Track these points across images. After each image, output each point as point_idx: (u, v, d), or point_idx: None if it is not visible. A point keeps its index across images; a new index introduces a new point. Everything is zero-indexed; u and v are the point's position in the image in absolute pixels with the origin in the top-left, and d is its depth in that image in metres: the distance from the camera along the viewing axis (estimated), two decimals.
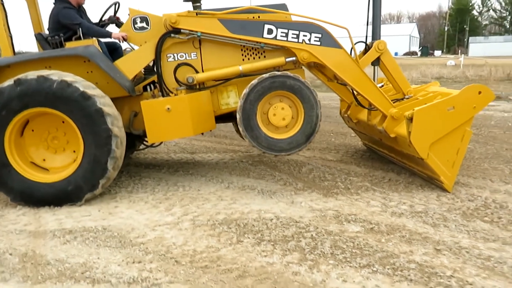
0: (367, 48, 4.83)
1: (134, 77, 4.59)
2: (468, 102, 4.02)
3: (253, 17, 4.44)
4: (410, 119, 3.96)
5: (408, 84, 4.93)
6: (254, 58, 4.58)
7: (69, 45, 4.42)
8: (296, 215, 3.73)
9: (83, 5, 4.95)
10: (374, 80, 4.79)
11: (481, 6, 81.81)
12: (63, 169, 4.20)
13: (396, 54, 54.64)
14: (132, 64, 4.47)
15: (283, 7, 4.55)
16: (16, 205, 4.11)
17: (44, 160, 4.29)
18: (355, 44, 4.67)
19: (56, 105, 3.96)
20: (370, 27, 4.85)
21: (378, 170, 5.05)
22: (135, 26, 4.43)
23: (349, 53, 4.58)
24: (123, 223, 3.63)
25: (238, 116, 4.12)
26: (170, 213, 3.84)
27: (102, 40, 4.74)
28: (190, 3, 4.55)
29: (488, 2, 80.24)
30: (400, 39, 70.97)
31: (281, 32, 4.37)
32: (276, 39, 4.39)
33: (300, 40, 4.38)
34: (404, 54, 59.22)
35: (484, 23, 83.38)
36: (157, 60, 4.46)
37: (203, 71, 4.54)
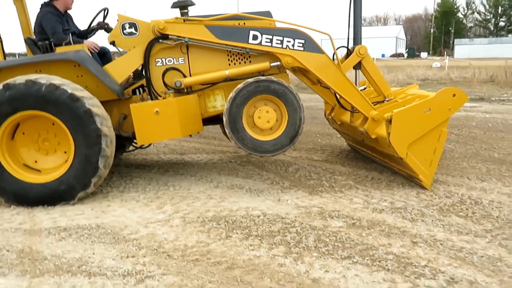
0: (349, 53, 5.03)
1: (125, 81, 4.73)
2: (444, 104, 4.25)
3: (239, 24, 4.61)
4: (389, 121, 4.17)
5: (388, 87, 5.16)
6: (240, 63, 4.75)
7: (59, 50, 4.54)
8: (282, 212, 3.91)
9: (70, 11, 5.07)
10: (356, 83, 4.99)
11: (466, 8, 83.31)
12: (55, 169, 4.31)
13: (383, 55, 55.32)
14: (121, 68, 4.61)
15: (267, 14, 4.73)
16: (10, 205, 4.22)
17: (36, 161, 4.40)
18: (337, 49, 4.87)
19: (46, 107, 4.07)
20: (352, 30, 5.05)
21: (361, 169, 5.25)
22: (124, 31, 4.56)
23: (332, 57, 4.78)
24: (116, 221, 3.77)
25: (224, 119, 4.28)
26: (162, 211, 3.99)
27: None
28: (178, 9, 4.70)
29: (473, 5, 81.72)
30: (387, 41, 71.83)
31: (266, 38, 4.55)
32: (261, 44, 4.57)
33: (284, 46, 4.56)
34: (391, 56, 59.99)
35: (469, 25, 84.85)
36: (145, 64, 4.60)
37: (190, 76, 4.69)
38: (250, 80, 4.29)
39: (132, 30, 4.57)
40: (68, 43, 4.61)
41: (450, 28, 77.41)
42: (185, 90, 4.71)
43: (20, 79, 4.07)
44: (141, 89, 4.87)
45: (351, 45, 5.03)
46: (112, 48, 5.05)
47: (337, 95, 4.90)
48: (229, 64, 4.73)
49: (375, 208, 3.97)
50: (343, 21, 5.13)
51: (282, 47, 4.56)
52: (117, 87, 4.50)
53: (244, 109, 4.30)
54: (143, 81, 4.72)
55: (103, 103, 4.36)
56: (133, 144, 5.57)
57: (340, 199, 4.24)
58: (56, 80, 4.11)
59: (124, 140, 5.32)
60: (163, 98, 4.62)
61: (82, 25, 5.29)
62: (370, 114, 4.61)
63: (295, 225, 3.60)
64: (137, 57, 4.59)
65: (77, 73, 4.45)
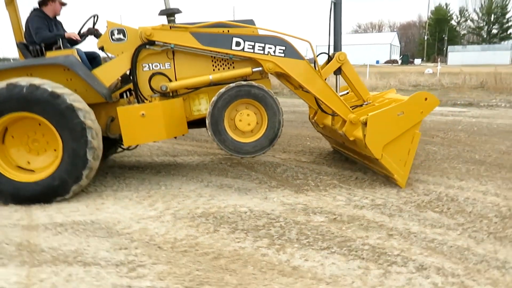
0: (330, 59, 5.27)
1: (114, 84, 4.92)
2: (416, 108, 4.48)
3: (223, 31, 4.83)
4: (365, 123, 4.41)
5: (367, 92, 5.42)
6: (223, 68, 4.96)
7: (49, 54, 4.75)
8: (268, 208, 4.12)
9: (58, 17, 5.28)
10: (336, 88, 5.25)
11: (459, 16, 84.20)
12: (47, 167, 4.46)
13: (377, 62, 55.88)
14: (109, 72, 4.81)
15: (250, 22, 4.96)
16: (8, 204, 4.39)
17: (28, 162, 4.57)
18: (318, 55, 5.12)
19: (29, 108, 4.25)
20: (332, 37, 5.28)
21: (346, 170, 5.48)
22: (113, 37, 4.77)
23: (313, 63, 5.01)
24: (109, 217, 3.96)
25: (207, 121, 4.48)
26: (153, 208, 4.19)
27: (83, 50, 5.10)
28: (165, 17, 4.92)
29: (466, 13, 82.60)
30: (381, 47, 72.65)
31: (248, 45, 4.77)
32: (243, 51, 4.78)
33: (266, 52, 4.78)
34: (385, 62, 60.55)
35: (462, 33, 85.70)
36: (133, 69, 4.80)
37: (176, 80, 4.89)
38: (231, 84, 4.49)
39: (121, 36, 4.78)
40: (58, 48, 4.83)
41: (443, 35, 78.23)
42: (171, 94, 4.92)
43: (1, 84, 4.25)
44: (128, 93, 5.09)
45: (332, 51, 5.27)
46: (102, 54, 5.26)
47: (317, 99, 5.12)
48: (213, 69, 4.94)
49: (356, 205, 4.18)
50: (325, 28, 5.36)
51: (264, 53, 4.78)
52: (105, 91, 4.70)
53: (226, 112, 4.50)
54: (131, 85, 4.92)
55: (92, 105, 4.54)
56: (120, 146, 5.77)
57: (324, 197, 4.45)
58: (36, 80, 4.30)
59: (113, 142, 5.51)
60: (150, 102, 4.82)
61: (73, 31, 5.50)
62: (348, 117, 4.83)
63: (279, 220, 3.81)
64: (125, 62, 4.79)
65: (67, 76, 4.64)
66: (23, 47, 5.01)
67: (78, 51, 4.96)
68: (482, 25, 79.96)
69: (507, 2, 73.43)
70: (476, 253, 3.09)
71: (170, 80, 4.88)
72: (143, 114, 4.60)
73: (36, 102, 4.23)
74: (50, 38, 4.85)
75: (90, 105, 4.51)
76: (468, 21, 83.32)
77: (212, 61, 4.94)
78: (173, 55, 4.88)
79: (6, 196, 4.36)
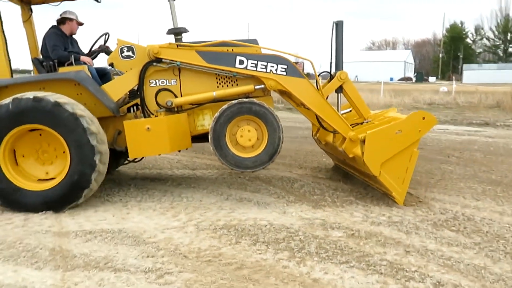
0: (331, 78, 5.43)
1: (122, 99, 5.15)
2: (414, 127, 4.59)
3: (227, 50, 5.04)
4: (363, 141, 4.53)
5: (368, 110, 5.58)
6: (227, 85, 5.15)
7: (62, 70, 5.04)
8: (287, 222, 4.25)
9: (75, 36, 5.57)
10: (338, 106, 5.43)
11: (474, 34, 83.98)
12: (65, 169, 4.61)
13: (391, 79, 55.95)
14: (118, 88, 5.06)
15: (254, 41, 5.19)
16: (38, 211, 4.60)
17: (47, 173, 4.79)
18: (319, 74, 5.32)
19: (36, 119, 4.45)
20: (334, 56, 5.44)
21: (362, 187, 5.58)
22: (122, 54, 5.02)
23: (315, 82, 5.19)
24: (135, 226, 4.14)
25: (209, 136, 4.65)
26: (177, 219, 4.36)
27: (94, 66, 5.40)
28: (173, 35, 5.15)
29: (482, 31, 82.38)
30: (395, 65, 72.69)
31: (251, 63, 4.96)
32: (246, 69, 4.98)
33: (268, 70, 4.97)
34: (399, 80, 60.46)
35: (478, 51, 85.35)
36: (140, 85, 5.02)
37: (181, 96, 5.10)
38: (233, 101, 4.68)
39: (130, 53, 5.03)
40: (70, 64, 5.10)
41: (458, 53, 77.98)
42: (176, 109, 5.13)
43: (7, 99, 4.47)
44: (135, 107, 5.31)
45: (333, 70, 5.44)
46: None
47: (317, 116, 5.24)
48: (217, 86, 5.14)
49: (373, 221, 4.29)
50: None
51: (266, 72, 4.97)
52: (113, 105, 4.93)
53: (228, 128, 4.67)
54: (138, 100, 5.14)
55: (100, 119, 4.76)
56: (126, 158, 5.97)
57: (341, 213, 4.57)
58: (40, 93, 4.53)
59: (120, 154, 5.72)
60: (155, 116, 5.03)
61: (86, 48, 5.78)
62: (347, 135, 4.94)
63: (298, 234, 3.93)
64: (133, 78, 5.02)
65: (77, 91, 4.90)
66: (37, 63, 5.32)
67: (89, 67, 5.23)
68: (498, 43, 79.64)
69: None
70: (493, 272, 3.18)
71: (176, 96, 5.08)
72: (148, 128, 4.78)
73: (40, 113, 4.41)
74: (65, 57, 5.14)
75: (98, 118, 4.71)
76: (484, 39, 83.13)
77: (216, 78, 5.13)
78: (179, 72, 5.10)
79: (37, 206, 4.54)
